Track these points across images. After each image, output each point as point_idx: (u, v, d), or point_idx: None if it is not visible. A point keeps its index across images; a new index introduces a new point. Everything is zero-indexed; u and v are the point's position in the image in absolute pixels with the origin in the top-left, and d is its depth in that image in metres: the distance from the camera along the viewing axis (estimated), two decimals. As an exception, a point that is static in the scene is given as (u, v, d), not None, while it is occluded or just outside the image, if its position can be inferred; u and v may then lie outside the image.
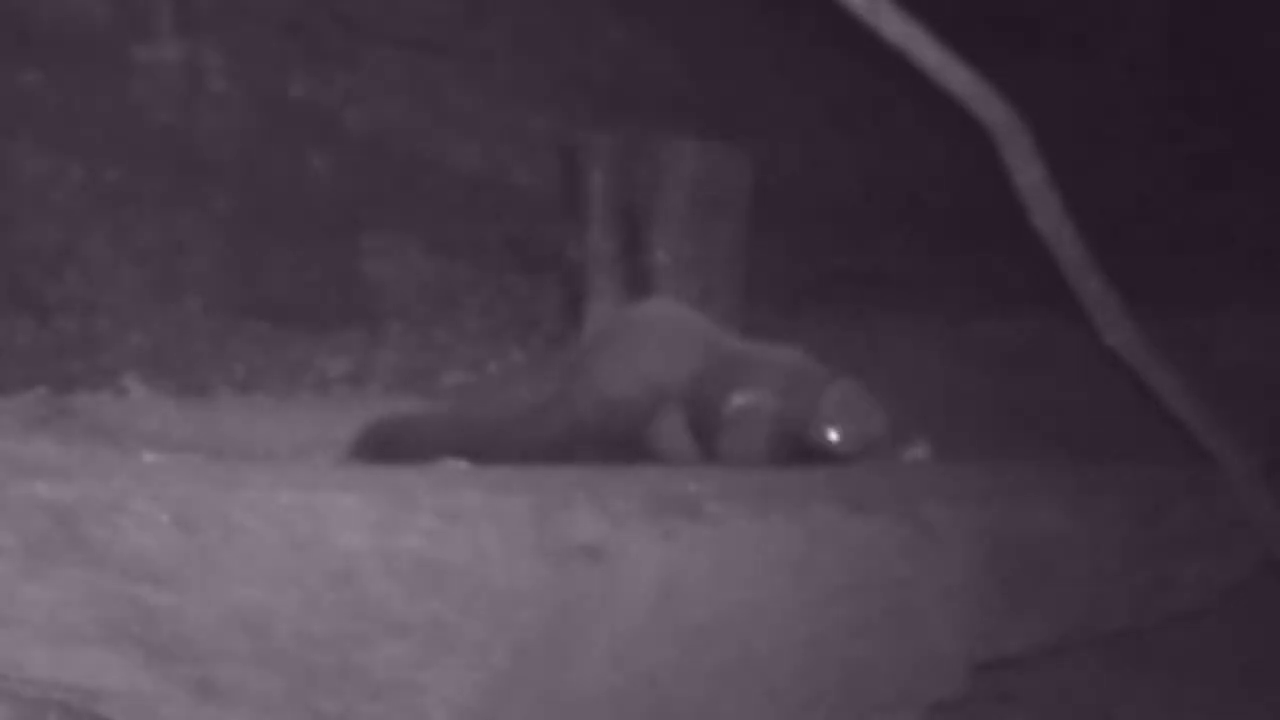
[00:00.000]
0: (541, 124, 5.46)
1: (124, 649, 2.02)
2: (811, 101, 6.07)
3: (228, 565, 2.03)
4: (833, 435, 2.87)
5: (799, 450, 2.93)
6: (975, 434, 3.78)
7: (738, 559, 2.33)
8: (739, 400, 2.93)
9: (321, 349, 4.41)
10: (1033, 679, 3.08)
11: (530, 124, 5.49)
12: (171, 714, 2.06)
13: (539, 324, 4.72)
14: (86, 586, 1.99)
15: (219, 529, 2.02)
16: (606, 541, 2.20)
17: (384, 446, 2.97)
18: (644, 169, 4.26)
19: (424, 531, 2.10)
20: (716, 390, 2.94)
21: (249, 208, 4.89)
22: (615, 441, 2.93)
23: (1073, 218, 2.78)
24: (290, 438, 3.36)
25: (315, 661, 2.07)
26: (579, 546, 2.19)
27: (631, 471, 2.65)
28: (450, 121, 5.41)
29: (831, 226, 5.62)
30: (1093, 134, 5.84)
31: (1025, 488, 2.83)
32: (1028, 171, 2.71)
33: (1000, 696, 3.00)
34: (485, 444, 2.94)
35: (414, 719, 2.11)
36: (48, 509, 1.98)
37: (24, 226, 4.56)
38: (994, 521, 2.66)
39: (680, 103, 5.72)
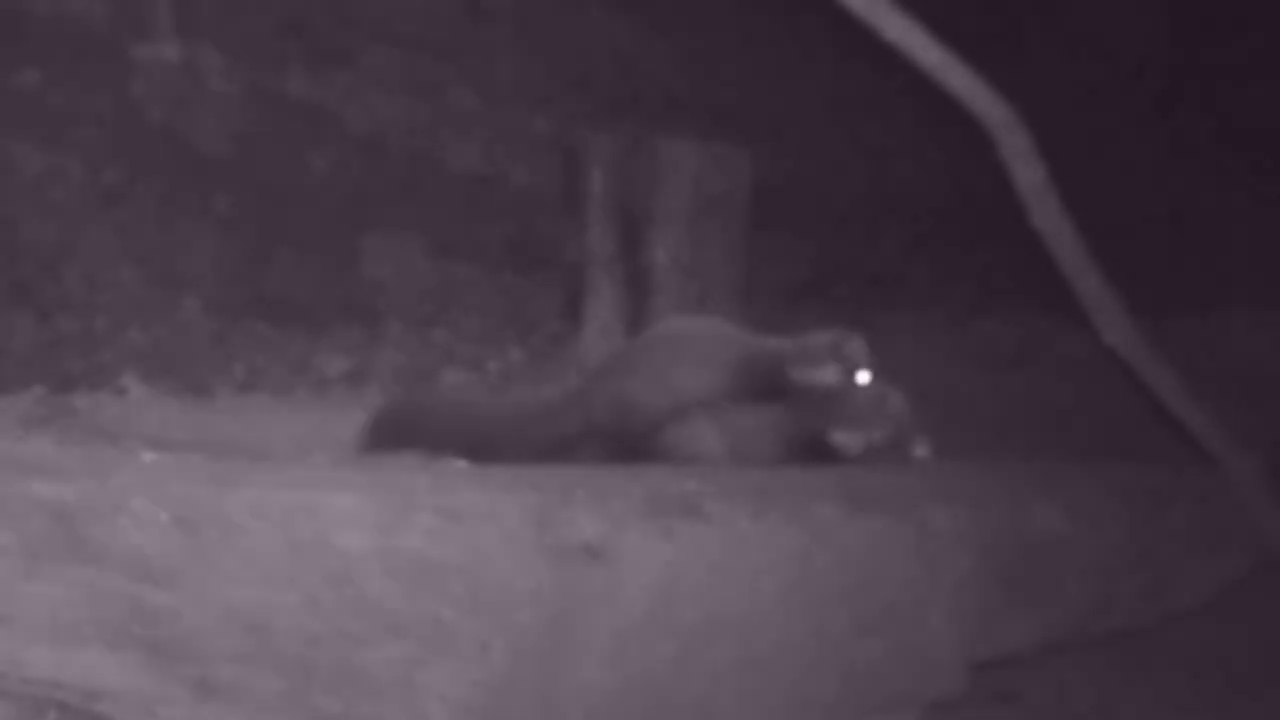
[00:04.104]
0: (541, 124, 5.45)
1: (124, 649, 2.01)
2: (811, 101, 6.06)
3: (228, 565, 2.02)
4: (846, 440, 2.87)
5: (810, 450, 2.93)
6: (975, 434, 3.78)
7: (737, 558, 2.33)
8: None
9: (321, 349, 4.41)
10: (1033, 679, 3.08)
11: (530, 124, 5.48)
12: (171, 714, 2.05)
13: (539, 324, 4.71)
14: (86, 586, 1.99)
15: (219, 529, 2.02)
16: (606, 541, 2.20)
17: (400, 432, 2.97)
18: (644, 169, 4.26)
19: (424, 531, 2.09)
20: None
21: (249, 208, 4.89)
22: (629, 444, 2.91)
23: (1072, 218, 2.78)
24: (290, 437, 3.36)
25: (315, 661, 2.06)
26: (579, 546, 2.18)
27: (631, 471, 2.65)
28: (450, 121, 5.41)
29: (831, 226, 5.62)
30: (1093, 133, 5.84)
31: (1025, 487, 2.83)
32: (1027, 171, 2.71)
33: (1000, 696, 3.00)
34: (500, 438, 2.92)
35: (413, 718, 2.11)
36: (48, 509, 1.98)
37: (24, 226, 4.56)
38: (994, 521, 2.66)
39: (680, 103, 5.72)
